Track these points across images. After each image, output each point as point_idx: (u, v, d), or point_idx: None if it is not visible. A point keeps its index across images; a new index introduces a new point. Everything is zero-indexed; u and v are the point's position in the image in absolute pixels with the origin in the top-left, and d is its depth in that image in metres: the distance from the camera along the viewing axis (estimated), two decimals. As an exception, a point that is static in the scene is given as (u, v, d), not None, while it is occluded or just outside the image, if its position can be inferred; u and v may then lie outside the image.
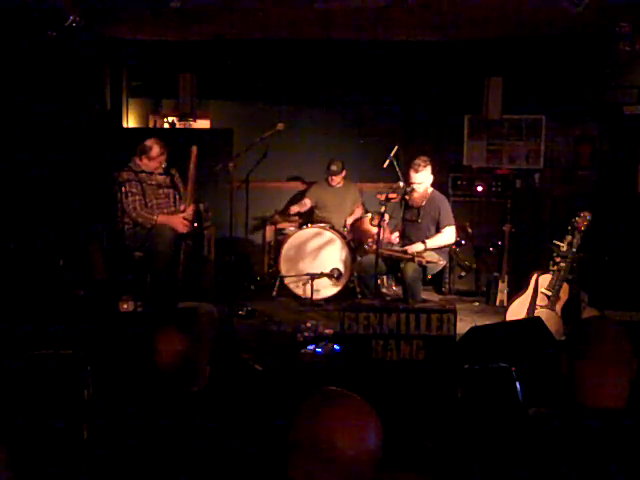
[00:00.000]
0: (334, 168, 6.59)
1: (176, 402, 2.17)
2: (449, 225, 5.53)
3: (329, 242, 6.17)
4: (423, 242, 5.44)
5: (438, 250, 5.47)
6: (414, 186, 5.43)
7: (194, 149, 5.17)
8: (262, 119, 6.68)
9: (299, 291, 6.13)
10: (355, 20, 6.06)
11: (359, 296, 5.99)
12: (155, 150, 5.25)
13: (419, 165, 5.42)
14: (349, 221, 6.49)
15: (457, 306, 4.62)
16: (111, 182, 5.24)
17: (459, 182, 6.83)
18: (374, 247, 5.09)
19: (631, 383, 1.86)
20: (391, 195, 5.30)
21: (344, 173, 6.67)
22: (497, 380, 3.01)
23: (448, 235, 5.54)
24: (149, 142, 5.29)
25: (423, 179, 5.45)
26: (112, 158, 5.85)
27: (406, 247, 5.48)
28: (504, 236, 6.28)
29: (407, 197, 5.52)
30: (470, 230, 6.36)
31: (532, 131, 7.24)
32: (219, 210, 5.82)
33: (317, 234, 6.21)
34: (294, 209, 6.75)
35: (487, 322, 5.09)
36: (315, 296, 5.99)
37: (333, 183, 6.68)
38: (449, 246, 5.72)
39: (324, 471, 1.45)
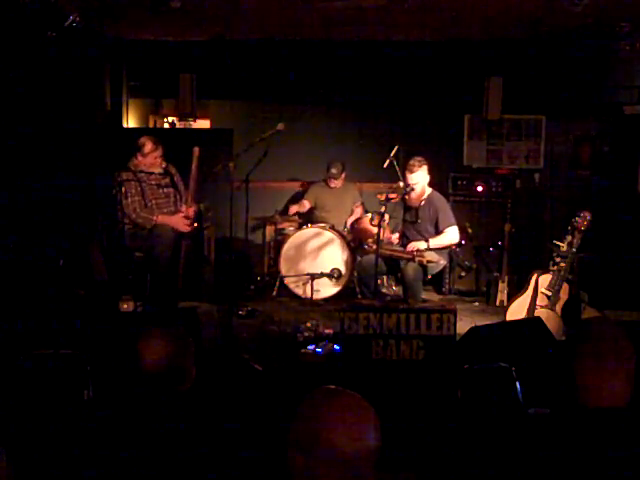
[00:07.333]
0: (334, 171, 6.53)
1: (168, 402, 2.17)
2: (451, 225, 5.51)
3: (329, 242, 6.16)
4: (426, 240, 5.44)
5: (438, 250, 5.47)
6: (411, 186, 5.43)
7: (196, 150, 5.17)
8: (262, 119, 6.69)
9: (299, 291, 6.13)
10: (355, 20, 6.06)
11: (359, 296, 5.98)
12: (147, 146, 5.25)
13: (413, 165, 5.42)
14: (349, 222, 6.48)
15: (457, 306, 4.61)
16: (111, 182, 5.24)
17: (459, 182, 6.84)
18: (374, 247, 5.08)
19: (631, 383, 1.86)
20: (391, 195, 5.30)
21: (344, 175, 6.62)
22: (497, 380, 3.01)
23: (451, 235, 5.52)
24: (142, 139, 5.31)
25: (419, 179, 5.45)
26: (112, 158, 5.85)
27: (408, 244, 5.47)
28: (504, 236, 6.28)
29: (407, 197, 5.52)
30: (470, 230, 6.36)
31: (532, 131, 7.23)
32: (219, 210, 5.82)
33: (317, 234, 6.20)
34: (293, 209, 6.73)
35: (487, 322, 5.08)
36: (315, 296, 5.99)
37: (332, 185, 6.65)
38: (453, 246, 5.73)
39: (323, 469, 1.45)
